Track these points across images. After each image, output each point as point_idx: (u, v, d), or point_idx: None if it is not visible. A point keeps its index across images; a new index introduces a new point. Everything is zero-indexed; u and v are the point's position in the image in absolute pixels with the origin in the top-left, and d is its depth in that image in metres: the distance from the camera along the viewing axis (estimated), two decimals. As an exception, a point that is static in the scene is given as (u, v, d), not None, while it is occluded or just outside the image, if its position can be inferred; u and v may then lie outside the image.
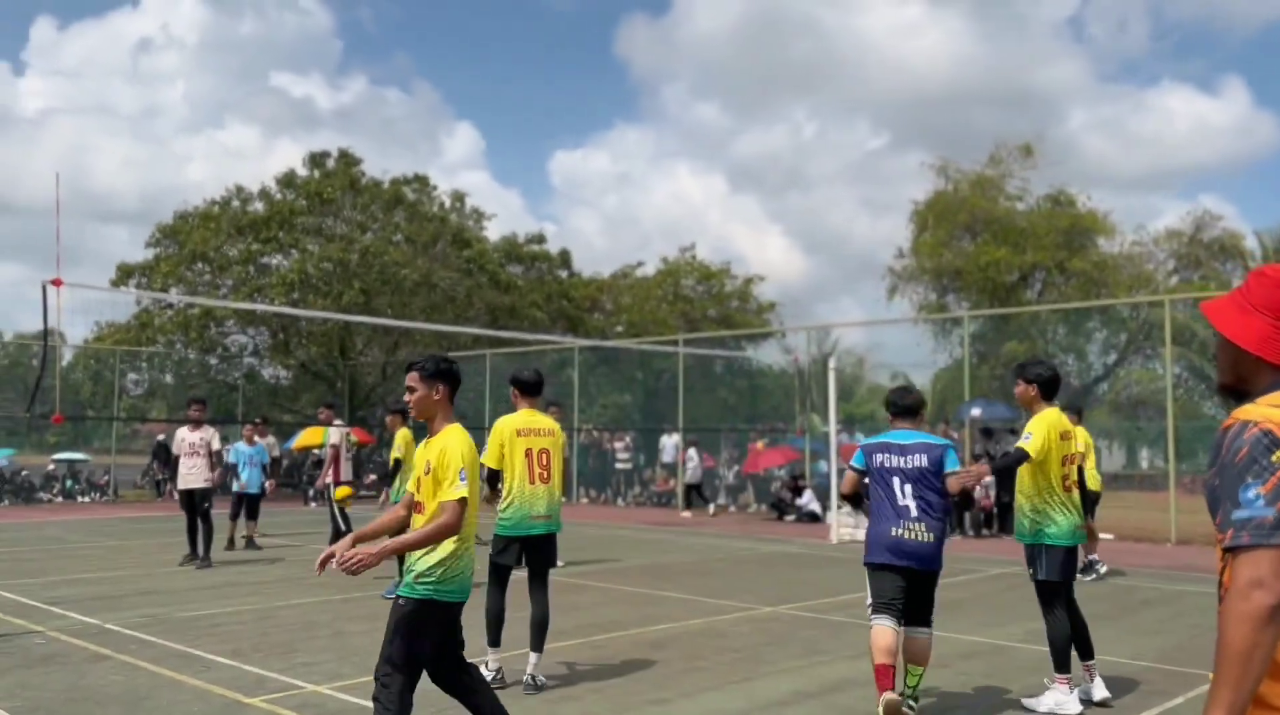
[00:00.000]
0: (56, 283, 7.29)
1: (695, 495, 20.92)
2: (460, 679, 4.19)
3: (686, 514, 20.43)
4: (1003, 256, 32.47)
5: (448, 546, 4.01)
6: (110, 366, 25.36)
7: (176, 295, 24.98)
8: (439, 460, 4.05)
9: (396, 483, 9.91)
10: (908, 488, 5.41)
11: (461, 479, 3.98)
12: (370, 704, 4.07)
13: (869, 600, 5.50)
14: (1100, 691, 5.86)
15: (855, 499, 6.12)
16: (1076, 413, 11.45)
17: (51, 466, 24.72)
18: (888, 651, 5.24)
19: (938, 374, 32.10)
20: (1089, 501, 9.99)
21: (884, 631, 5.29)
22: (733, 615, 8.74)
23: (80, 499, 23.46)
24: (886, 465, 5.50)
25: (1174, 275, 32.86)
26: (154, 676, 6.37)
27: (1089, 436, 11.12)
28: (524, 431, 6.27)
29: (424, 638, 4.01)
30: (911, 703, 5.47)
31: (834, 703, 5.91)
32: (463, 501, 3.98)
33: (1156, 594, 10.22)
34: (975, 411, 18.26)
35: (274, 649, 7.14)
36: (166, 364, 27.65)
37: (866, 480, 5.70)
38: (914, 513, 5.38)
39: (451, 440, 4.09)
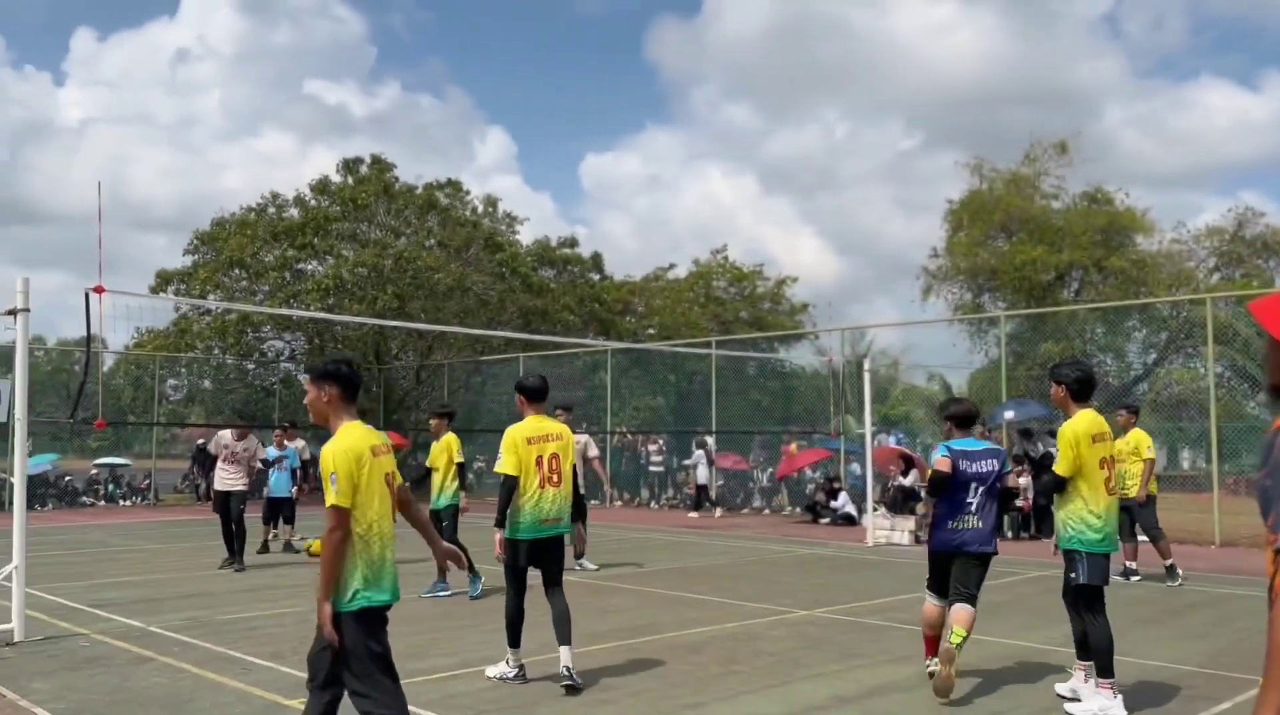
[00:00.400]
0: (99, 290, 7.40)
1: (703, 497, 20.98)
2: (330, 693, 4.08)
3: (694, 515, 20.49)
4: (1039, 255, 32.13)
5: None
6: (150, 372, 25.72)
7: (214, 301, 25.26)
8: (321, 469, 4.06)
9: (438, 486, 9.97)
10: (980, 490, 6.08)
11: (331, 484, 3.95)
12: (411, 707, 4.08)
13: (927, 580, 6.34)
14: (1084, 691, 5.81)
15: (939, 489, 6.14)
16: (1134, 413, 11.24)
17: (94, 471, 25.12)
18: (930, 624, 6.25)
19: (974, 375, 31.82)
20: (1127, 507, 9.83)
21: (931, 607, 6.25)
22: (768, 619, 8.70)
23: (121, 503, 23.82)
24: (968, 471, 6.08)
25: (1215, 273, 32.35)
26: (196, 679, 6.44)
27: (1146, 438, 10.87)
28: (534, 439, 6.35)
29: (358, 642, 3.97)
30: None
31: (873, 708, 5.86)
32: (336, 509, 3.93)
33: (1201, 597, 10.05)
34: (1009, 414, 18.03)
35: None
36: (205, 370, 27.96)
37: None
38: (974, 509, 6.07)
39: (327, 447, 4.06)
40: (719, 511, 20.79)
